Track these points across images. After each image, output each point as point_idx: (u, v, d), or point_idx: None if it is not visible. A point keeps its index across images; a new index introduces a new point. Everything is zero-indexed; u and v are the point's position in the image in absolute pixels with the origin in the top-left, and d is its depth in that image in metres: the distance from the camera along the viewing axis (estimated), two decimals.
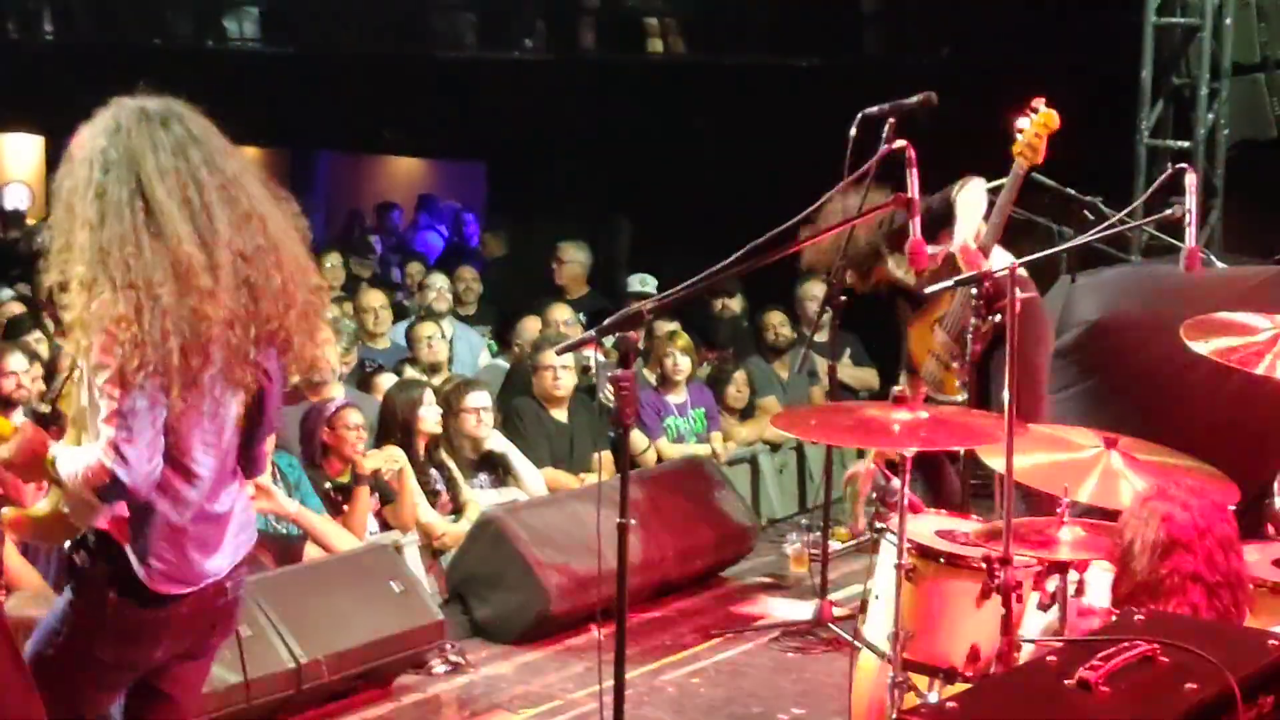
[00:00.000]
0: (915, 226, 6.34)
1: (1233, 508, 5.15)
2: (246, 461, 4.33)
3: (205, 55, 17.11)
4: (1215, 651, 3.73)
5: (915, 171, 6.61)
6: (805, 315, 11.29)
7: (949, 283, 6.52)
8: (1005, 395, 4.90)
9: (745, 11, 14.52)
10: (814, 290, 11.00)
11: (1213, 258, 9.20)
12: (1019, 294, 7.04)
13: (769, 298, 11.50)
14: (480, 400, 8.93)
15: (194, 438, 4.11)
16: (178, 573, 4.16)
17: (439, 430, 8.68)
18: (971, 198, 7.57)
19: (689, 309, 11.24)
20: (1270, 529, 5.93)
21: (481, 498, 8.76)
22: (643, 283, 12.22)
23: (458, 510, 8.68)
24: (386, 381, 9.46)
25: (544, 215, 14.29)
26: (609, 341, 5.35)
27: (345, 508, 8.13)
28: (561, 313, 11.07)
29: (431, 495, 8.62)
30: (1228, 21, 11.14)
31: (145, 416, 3.94)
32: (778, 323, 11.33)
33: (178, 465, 4.10)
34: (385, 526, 8.34)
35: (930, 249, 7.23)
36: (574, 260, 12.61)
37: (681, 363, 10.29)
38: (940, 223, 7.63)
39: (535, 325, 11.01)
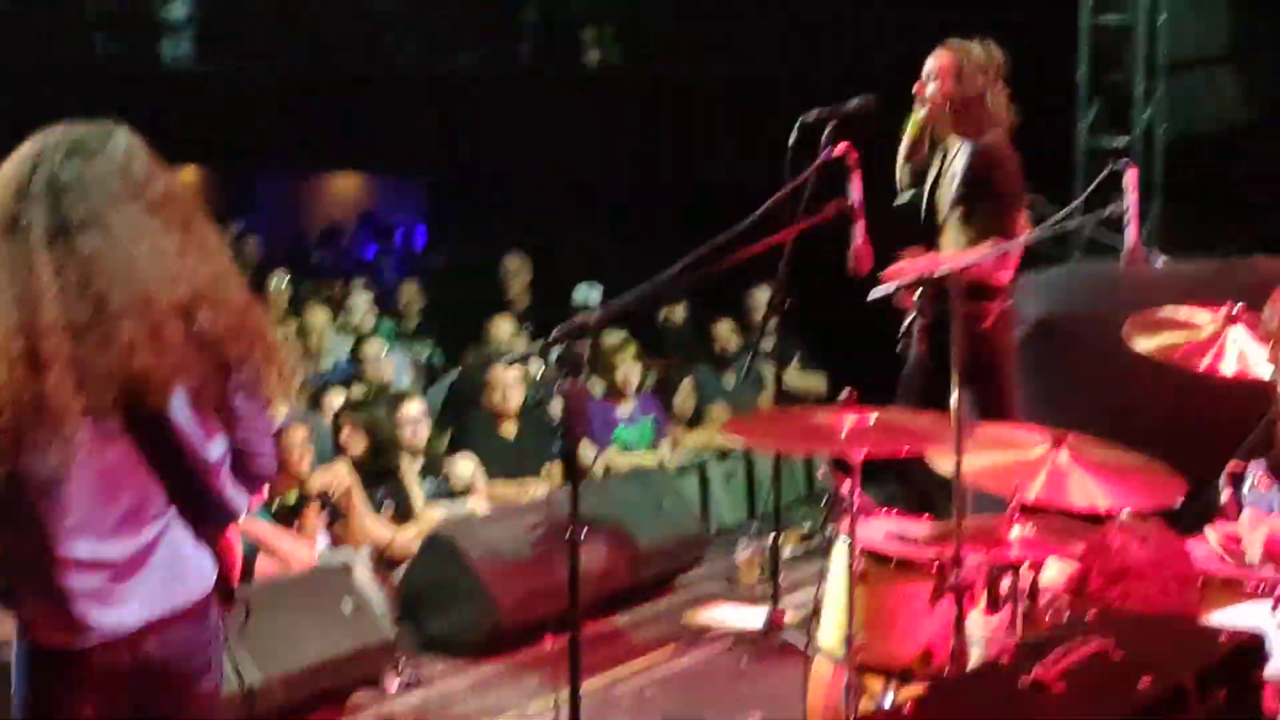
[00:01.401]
0: (859, 231, 6.37)
1: (1180, 501, 5.19)
2: (203, 506, 3.98)
3: (139, 76, 17.02)
4: (1168, 646, 3.75)
5: (857, 176, 6.65)
6: (753, 322, 11.29)
7: (893, 286, 6.53)
8: (954, 395, 4.92)
9: (682, 20, 14.54)
10: (762, 298, 11.01)
11: (1155, 254, 9.24)
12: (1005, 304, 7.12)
13: (715, 305, 11.50)
14: (415, 410, 8.94)
15: (33, 474, 3.79)
16: (60, 623, 3.85)
17: (420, 444, 8.76)
18: None
19: (633, 317, 11.24)
20: (1217, 523, 5.95)
21: (432, 510, 8.76)
22: (588, 290, 12.20)
23: (405, 519, 8.68)
24: (335, 398, 9.44)
25: (487, 229, 14.27)
26: (555, 353, 5.34)
27: (294, 525, 8.11)
28: (506, 327, 11.04)
29: (382, 507, 8.61)
30: (1162, 18, 11.21)
31: None
32: (726, 332, 11.32)
33: (21, 504, 3.81)
34: (335, 542, 8.32)
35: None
36: (517, 272, 12.60)
37: (632, 373, 10.29)
38: None
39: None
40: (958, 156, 7.46)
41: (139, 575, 3.90)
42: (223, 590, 4.07)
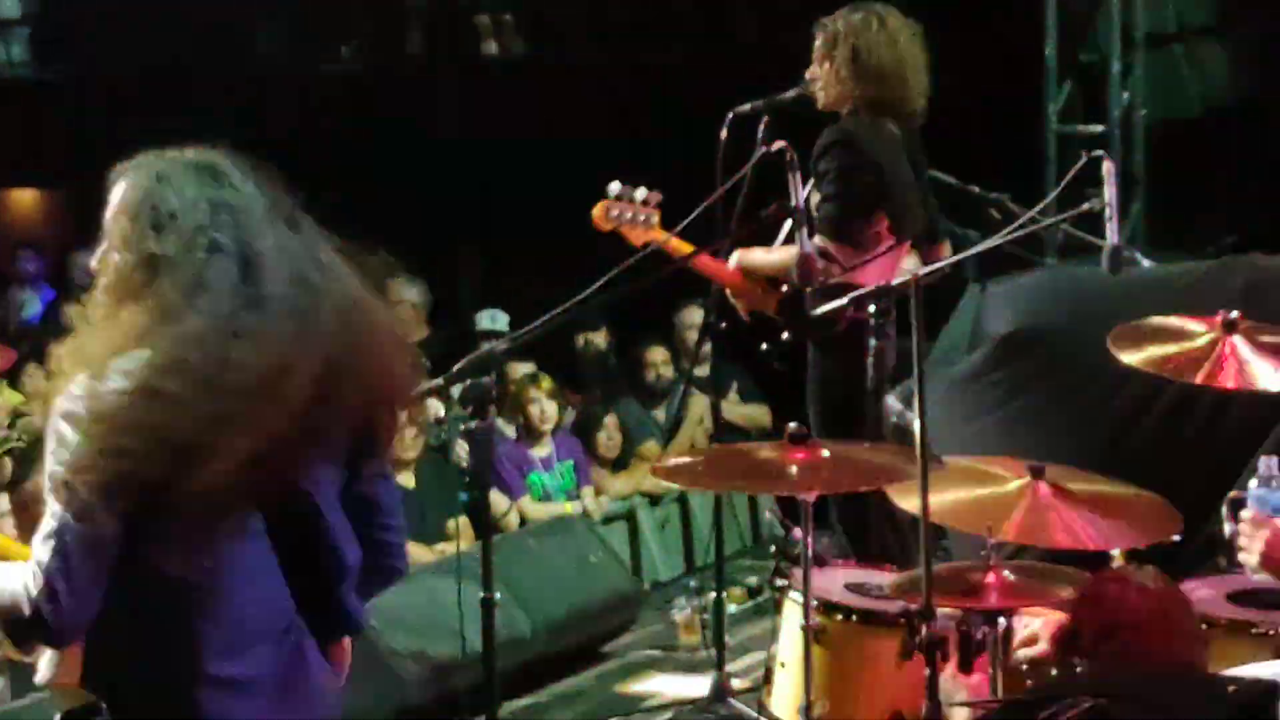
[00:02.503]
0: (803, 238, 6.39)
1: (1177, 538, 5.22)
2: (326, 616, 3.89)
3: None
4: (1169, 702, 3.78)
5: (799, 175, 6.66)
6: (684, 347, 11.31)
7: (843, 300, 6.56)
8: (915, 424, 4.93)
9: (592, 1, 14.57)
10: (693, 318, 11.02)
11: (1138, 255, 9.33)
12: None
13: (641, 329, 11.50)
14: None
15: (187, 571, 3.69)
16: None
17: None
18: None
19: (547, 347, 11.23)
20: (1221, 560, 6.00)
21: None
22: (492, 319, 12.17)
23: None
24: None
25: (375, 248, 14.22)
26: (458, 390, 5.34)
27: None
28: None
29: None
30: None
31: (84, 546, 3.57)
32: (660, 361, 11.32)
33: (183, 608, 3.71)
34: None
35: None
36: (404, 300, 12.55)
37: (548, 409, 10.27)
38: None
39: None
40: None
41: (274, 696, 3.83)
42: None
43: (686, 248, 7.10)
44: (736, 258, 7.37)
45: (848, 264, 6.99)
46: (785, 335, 7.34)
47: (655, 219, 7.14)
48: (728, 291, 7.48)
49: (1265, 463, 4.89)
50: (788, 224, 7.03)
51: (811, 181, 7.32)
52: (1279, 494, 4.79)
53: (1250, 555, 4.76)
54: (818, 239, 7.11)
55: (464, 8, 15.62)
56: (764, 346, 7.40)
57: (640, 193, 7.03)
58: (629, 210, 7.10)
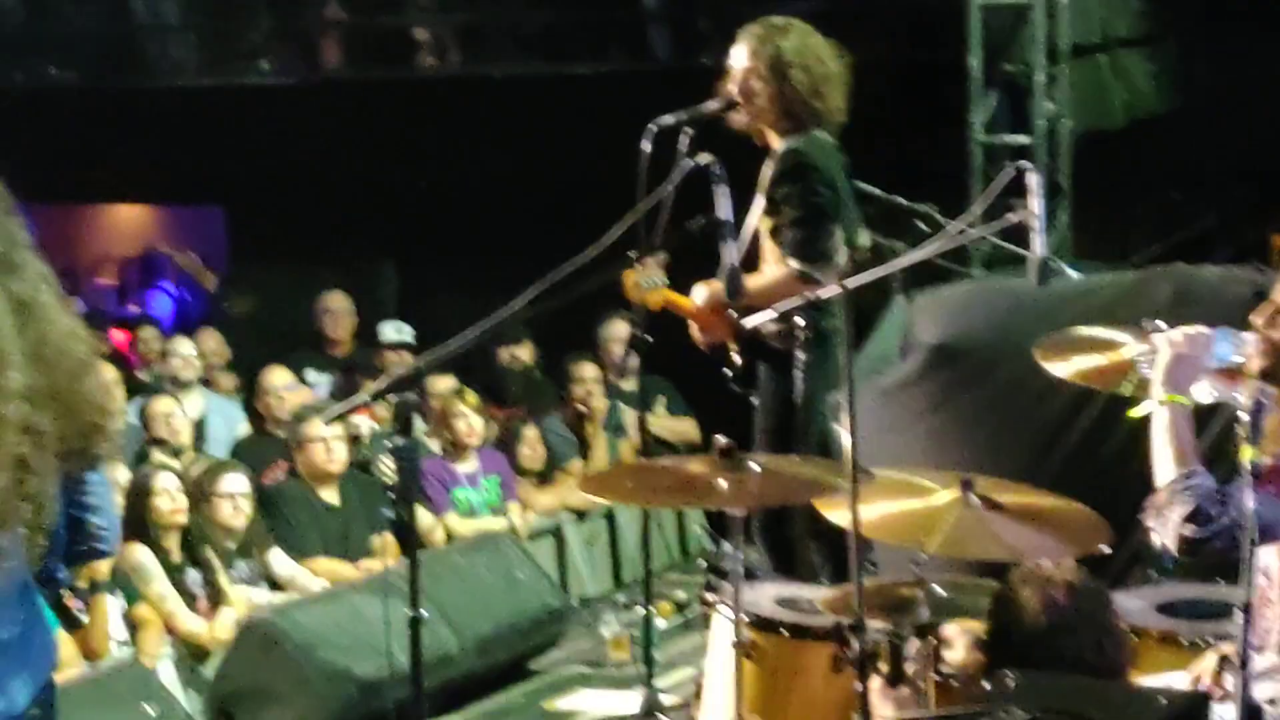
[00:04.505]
0: (730, 252, 6.40)
1: (1106, 549, 5.26)
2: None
3: None
4: (1101, 714, 3.81)
5: (724, 188, 6.67)
6: (610, 361, 11.31)
7: (769, 313, 6.58)
8: (846, 439, 4.95)
9: (509, 15, 14.55)
10: (619, 331, 11.03)
11: (1064, 266, 9.38)
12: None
13: (566, 343, 11.50)
14: (236, 484, 8.87)
15: None
16: None
17: (181, 520, 8.60)
18: None
19: (471, 362, 11.22)
20: (1149, 571, 6.05)
21: (249, 595, 8.71)
22: (398, 331, 12.16)
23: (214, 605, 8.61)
24: (119, 469, 9.33)
25: (296, 264, 14.18)
26: (394, 404, 5.33)
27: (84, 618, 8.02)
28: (279, 377, 10.97)
29: (189, 598, 8.51)
30: None
31: None
32: (591, 377, 11.29)
33: None
34: (133, 635, 8.23)
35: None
36: (342, 310, 12.54)
37: (474, 424, 10.25)
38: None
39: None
40: (768, 160, 7.48)
41: (15, 657, 3.93)
42: None
43: (687, 301, 7.20)
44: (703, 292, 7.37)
45: (826, 280, 7.02)
46: (736, 358, 7.39)
47: (665, 280, 7.17)
48: (694, 327, 7.47)
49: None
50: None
51: (761, 203, 7.36)
52: (1232, 353, 4.84)
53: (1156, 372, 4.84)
54: (793, 263, 7.17)
55: (386, 22, 15.60)
56: (729, 371, 7.45)
57: (652, 258, 7.05)
58: (648, 276, 7.09)
